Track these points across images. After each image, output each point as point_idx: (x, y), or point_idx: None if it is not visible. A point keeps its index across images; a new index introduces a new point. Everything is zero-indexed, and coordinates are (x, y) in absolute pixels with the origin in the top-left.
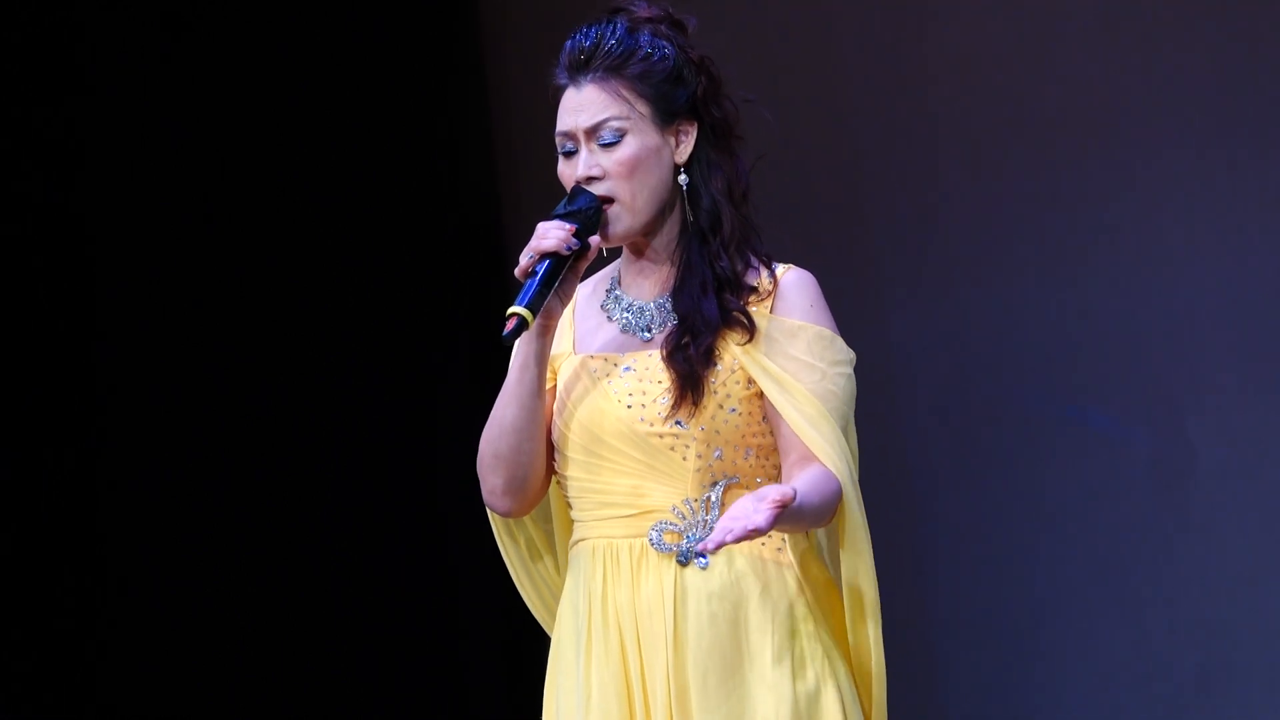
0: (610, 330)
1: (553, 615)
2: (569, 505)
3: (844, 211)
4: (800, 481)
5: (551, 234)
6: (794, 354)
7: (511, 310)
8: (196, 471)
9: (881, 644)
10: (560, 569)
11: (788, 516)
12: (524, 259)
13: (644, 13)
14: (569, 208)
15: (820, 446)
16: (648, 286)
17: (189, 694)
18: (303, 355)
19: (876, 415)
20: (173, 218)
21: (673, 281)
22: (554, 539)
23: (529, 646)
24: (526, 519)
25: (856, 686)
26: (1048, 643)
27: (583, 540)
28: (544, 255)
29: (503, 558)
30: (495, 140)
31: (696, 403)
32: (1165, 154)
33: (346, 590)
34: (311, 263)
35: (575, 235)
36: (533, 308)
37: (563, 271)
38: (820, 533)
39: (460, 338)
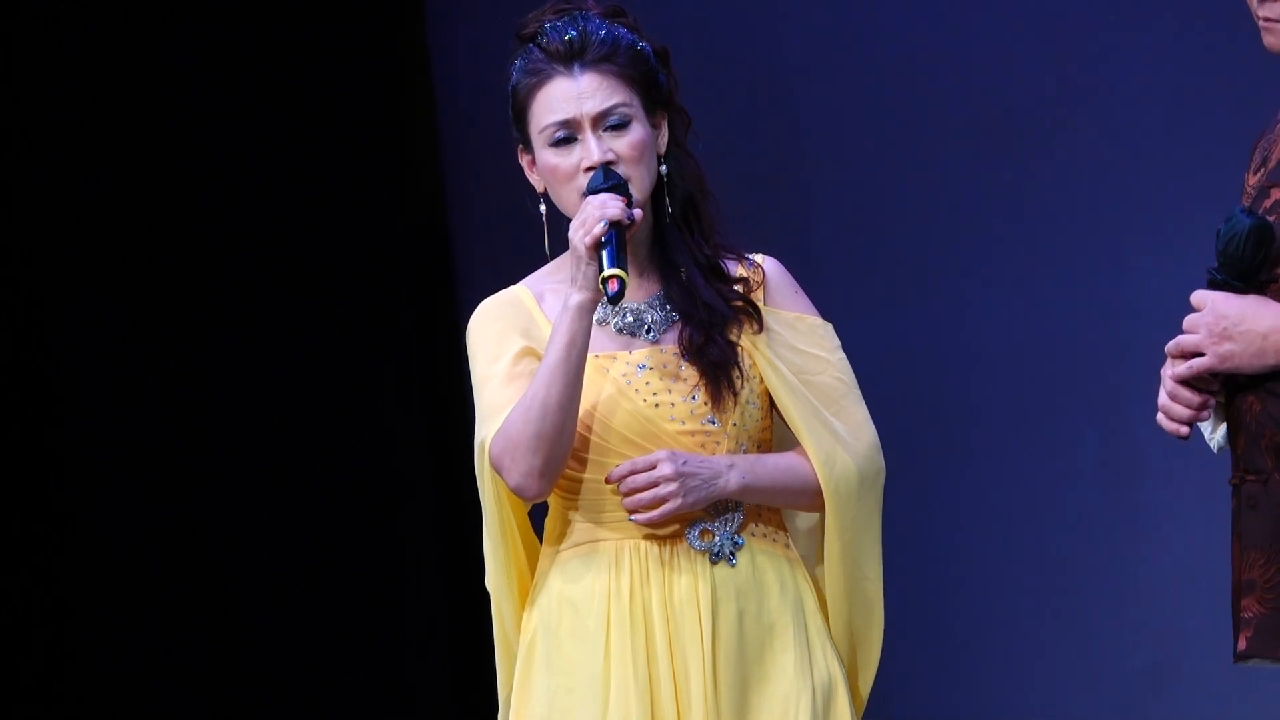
0: (604, 333)
1: (520, 581)
2: (575, 506)
3: (790, 215)
4: (773, 456)
5: (611, 205)
6: (799, 346)
7: (609, 273)
8: (150, 466)
9: (882, 617)
10: (529, 553)
11: (754, 489)
12: (595, 229)
13: (598, 8)
14: (608, 183)
15: (811, 440)
16: (632, 287)
17: (142, 689)
18: (251, 353)
19: None
20: (121, 216)
21: (657, 278)
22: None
23: (475, 644)
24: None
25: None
26: (995, 644)
27: (599, 541)
28: (610, 224)
29: (490, 538)
30: (442, 140)
31: (735, 394)
32: (1111, 157)
33: (296, 586)
34: (258, 261)
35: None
36: (624, 268)
37: (626, 240)
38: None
39: (409, 337)
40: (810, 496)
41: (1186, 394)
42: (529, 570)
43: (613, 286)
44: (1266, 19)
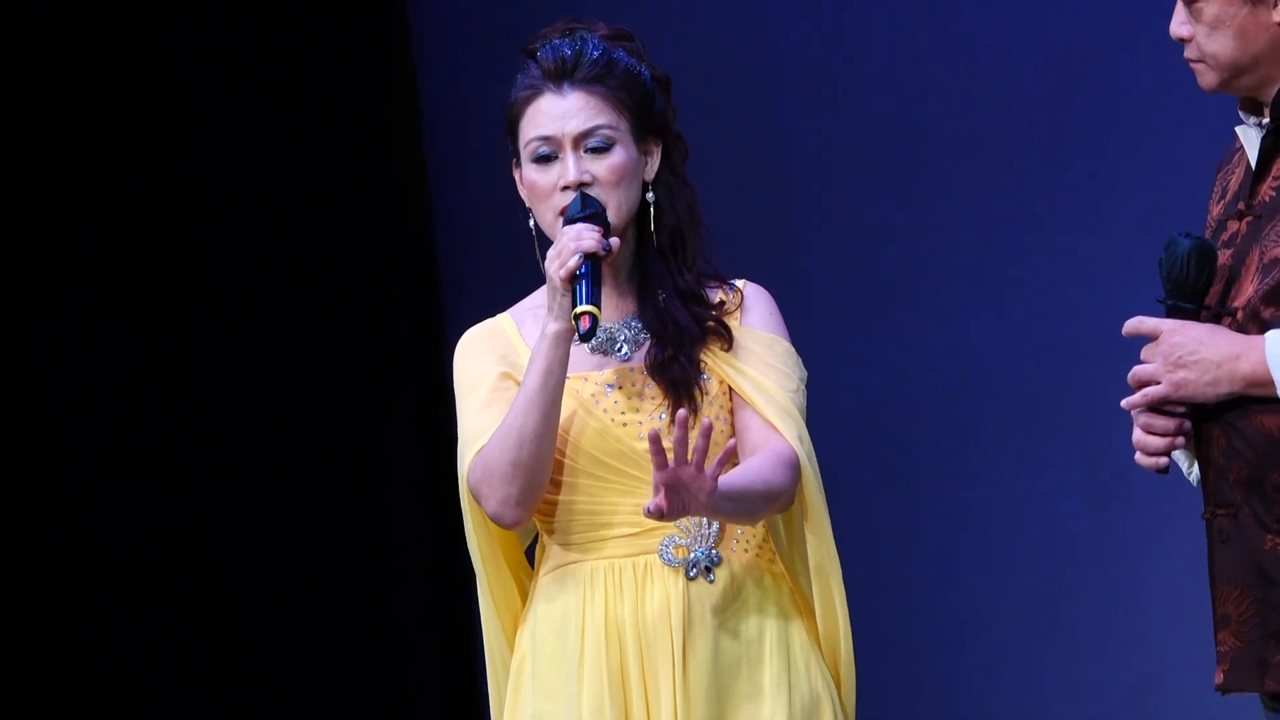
0: (578, 352)
1: (509, 607)
2: (551, 530)
3: (774, 236)
4: (741, 468)
5: (587, 235)
6: (771, 362)
7: (581, 310)
8: (142, 474)
9: (850, 628)
10: (518, 578)
11: (727, 498)
12: (570, 262)
13: (603, 30)
14: (585, 212)
15: (782, 423)
16: (608, 307)
17: (136, 694)
18: (243, 363)
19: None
20: (117, 228)
21: (634, 299)
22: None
23: (465, 652)
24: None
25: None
26: (979, 662)
27: (575, 563)
28: (585, 256)
29: (475, 562)
30: (430, 159)
31: (695, 412)
32: (1099, 179)
33: (286, 594)
34: (250, 272)
35: (602, 235)
36: (596, 303)
37: (601, 270)
38: (782, 531)
39: (397, 348)
40: (774, 495)
41: (1160, 422)
42: (519, 596)
43: (584, 324)
44: (1187, 59)
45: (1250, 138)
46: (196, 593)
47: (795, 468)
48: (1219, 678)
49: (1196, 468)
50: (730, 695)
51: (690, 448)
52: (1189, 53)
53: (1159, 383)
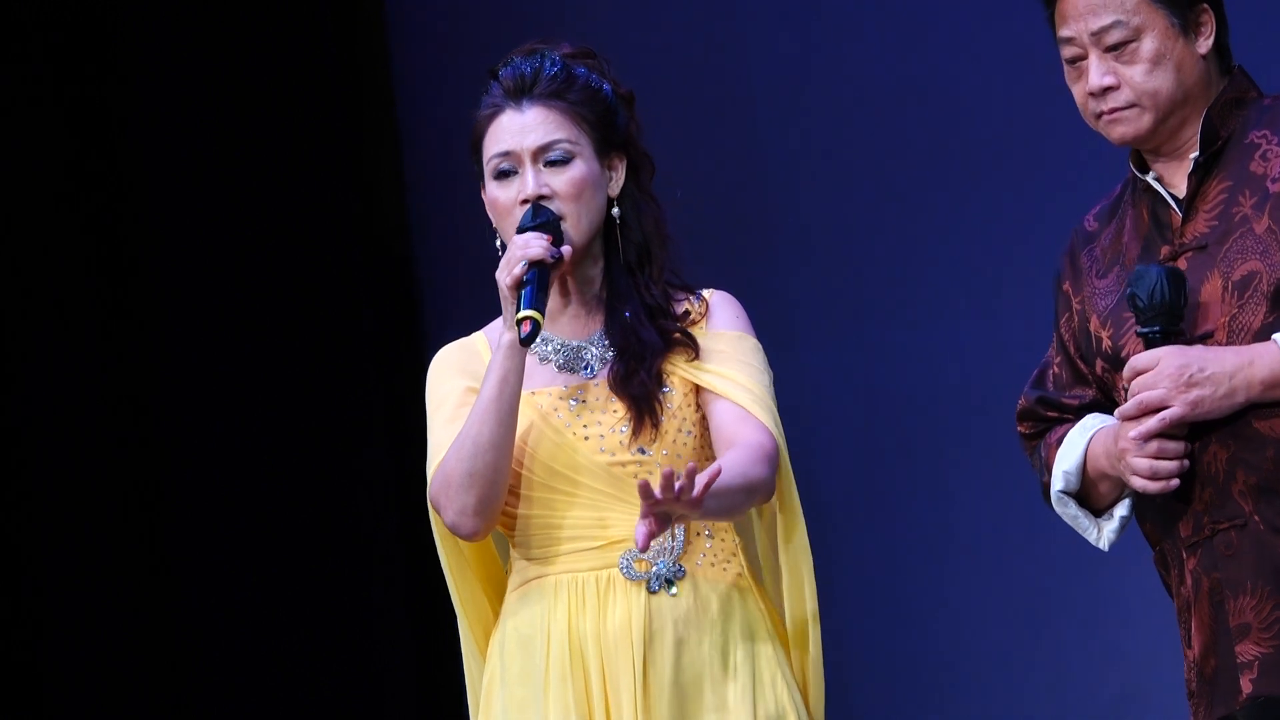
0: (546, 370)
1: (481, 620)
2: (517, 544)
3: (755, 248)
4: (723, 461)
5: (534, 244)
6: (741, 358)
7: (523, 315)
8: (115, 484)
9: (819, 621)
10: (490, 591)
11: (712, 496)
12: (516, 269)
13: (566, 49)
14: (536, 221)
15: (760, 412)
16: (576, 325)
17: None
18: (217, 383)
19: (788, 450)
20: (85, 249)
21: (601, 316)
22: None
23: (449, 673)
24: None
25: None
26: (961, 673)
27: (540, 577)
28: (531, 264)
29: (446, 576)
30: (406, 171)
31: (656, 425)
32: (1076, 188)
33: (262, 616)
34: (221, 296)
35: (552, 244)
36: (540, 309)
37: (550, 279)
38: (756, 530)
39: (372, 370)
40: (753, 489)
41: (1173, 445)
42: (491, 610)
43: (525, 329)
44: (1112, 110)
45: (1159, 187)
46: (171, 612)
47: (773, 459)
48: (1246, 686)
49: (1109, 528)
50: (693, 709)
51: (658, 486)
52: (1116, 101)
53: (1170, 406)
